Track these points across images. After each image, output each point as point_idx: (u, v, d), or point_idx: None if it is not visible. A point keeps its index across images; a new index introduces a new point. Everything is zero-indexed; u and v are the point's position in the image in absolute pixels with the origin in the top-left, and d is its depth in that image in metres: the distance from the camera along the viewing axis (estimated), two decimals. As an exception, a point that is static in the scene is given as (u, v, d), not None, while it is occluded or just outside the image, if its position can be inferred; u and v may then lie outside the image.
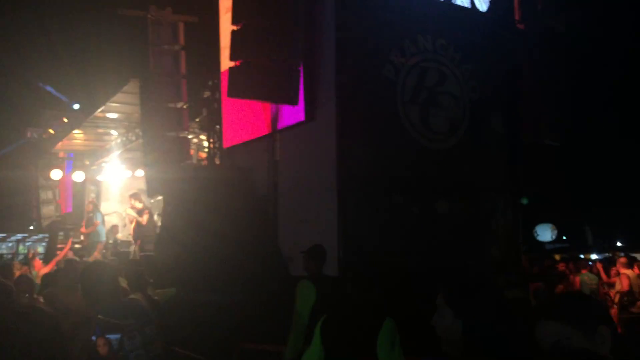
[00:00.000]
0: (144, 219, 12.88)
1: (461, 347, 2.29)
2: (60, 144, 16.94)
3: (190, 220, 8.60)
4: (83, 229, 14.83)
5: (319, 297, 4.82)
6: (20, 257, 15.18)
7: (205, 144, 12.45)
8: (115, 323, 3.28)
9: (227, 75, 7.59)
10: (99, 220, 14.64)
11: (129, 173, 16.26)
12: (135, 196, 13.39)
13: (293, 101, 7.60)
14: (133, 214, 13.17)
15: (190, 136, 10.57)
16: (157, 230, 14.29)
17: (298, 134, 8.23)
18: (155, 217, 14.22)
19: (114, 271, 3.83)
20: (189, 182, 8.90)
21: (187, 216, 8.68)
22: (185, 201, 8.81)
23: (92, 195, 18.12)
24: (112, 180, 17.11)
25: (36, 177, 18.23)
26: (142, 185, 16.33)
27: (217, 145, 10.54)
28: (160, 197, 10.96)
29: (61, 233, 17.16)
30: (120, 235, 15.81)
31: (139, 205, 13.15)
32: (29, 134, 18.61)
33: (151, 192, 10.03)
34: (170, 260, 9.22)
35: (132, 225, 13.48)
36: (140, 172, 15.63)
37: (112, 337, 3.26)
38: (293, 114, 8.09)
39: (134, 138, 14.40)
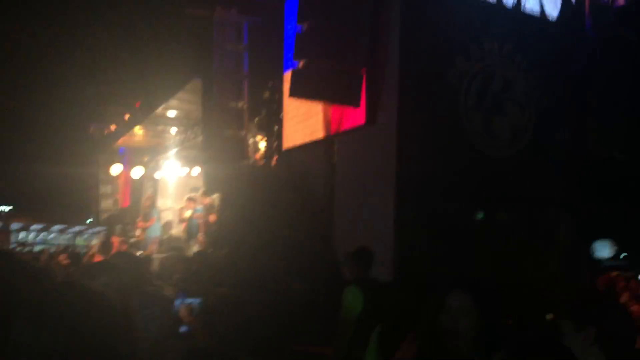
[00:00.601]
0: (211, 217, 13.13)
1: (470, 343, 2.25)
2: (120, 140, 17.38)
3: (247, 219, 8.70)
4: (140, 224, 15.13)
5: (366, 303, 4.67)
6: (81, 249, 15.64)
7: (262, 144, 12.58)
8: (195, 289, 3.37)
9: (291, 77, 7.60)
10: (155, 216, 14.91)
11: (186, 170, 16.51)
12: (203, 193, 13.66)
13: (355, 103, 7.59)
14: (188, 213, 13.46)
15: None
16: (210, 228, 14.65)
17: (357, 138, 8.21)
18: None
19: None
20: (246, 181, 9.00)
21: (243, 215, 8.78)
22: (242, 200, 8.92)
23: (150, 191, 18.53)
24: (169, 177, 17.33)
25: (97, 172, 18.76)
26: (197, 183, 16.69)
27: (274, 146, 10.57)
28: (216, 195, 11.09)
29: (118, 226, 17.67)
30: (174, 232, 16.08)
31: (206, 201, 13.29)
32: (91, 130, 19.22)
33: (209, 190, 10.12)
34: (225, 257, 9.35)
35: (183, 226, 13.77)
36: (197, 170, 15.92)
37: (193, 300, 3.48)
38: (353, 117, 8.06)
39: (192, 136, 14.62)
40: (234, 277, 8.71)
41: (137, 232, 15.53)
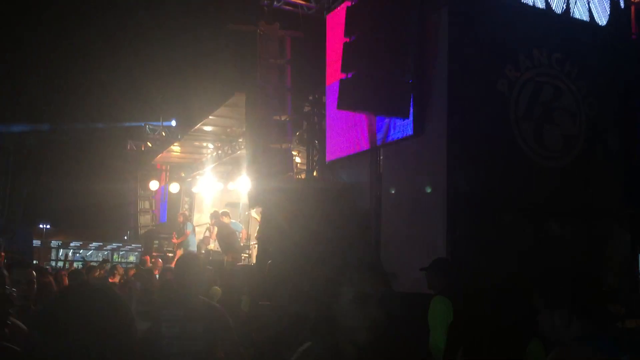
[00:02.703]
0: (214, 232, 13.36)
1: None
2: (159, 156, 17.53)
3: (291, 232, 8.64)
4: (174, 239, 15.22)
5: (456, 312, 4.59)
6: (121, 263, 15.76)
7: (303, 158, 12.53)
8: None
9: (338, 88, 7.56)
10: (189, 230, 15.01)
11: (221, 186, 16.59)
12: (213, 215, 13.83)
13: (403, 114, 7.51)
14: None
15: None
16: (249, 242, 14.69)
17: (405, 149, 8.13)
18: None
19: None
20: (291, 194, 8.95)
21: (287, 228, 8.72)
22: (286, 213, 8.87)
23: (186, 206, 18.65)
24: (206, 193, 17.45)
25: (135, 188, 18.94)
26: (233, 197, 16.75)
27: (315, 158, 10.53)
28: (259, 209, 11.08)
29: (156, 242, 17.79)
30: (212, 246, 16.13)
31: (212, 220, 13.56)
32: (129, 147, 19.45)
33: (252, 203, 10.11)
34: (268, 270, 9.31)
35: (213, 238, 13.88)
36: (233, 185, 15.97)
37: None
38: (401, 128, 7.99)
39: (230, 151, 14.66)
40: (279, 290, 8.67)
41: (173, 248, 15.64)
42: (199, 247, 15.47)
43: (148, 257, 14.61)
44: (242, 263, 13.74)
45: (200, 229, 16.36)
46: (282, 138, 9.56)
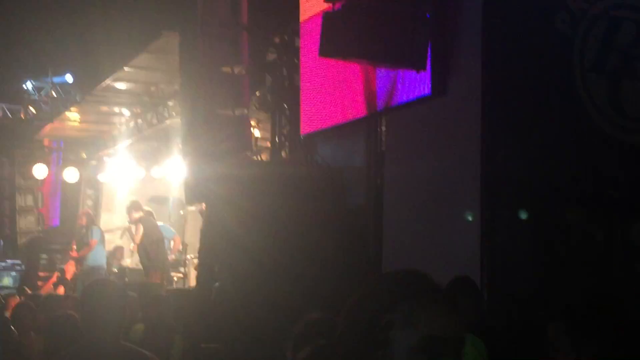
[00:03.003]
0: (138, 232, 13.41)
1: None
2: (47, 128, 17.24)
3: (248, 241, 8.59)
4: (74, 252, 15.03)
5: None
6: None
7: (261, 131, 12.42)
8: None
9: (321, 25, 7.47)
10: (96, 239, 14.87)
11: (141, 172, 16.52)
12: (134, 206, 13.82)
13: (418, 64, 7.45)
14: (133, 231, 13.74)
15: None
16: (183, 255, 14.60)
17: (418, 115, 8.16)
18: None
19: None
20: (248, 184, 8.89)
21: (242, 235, 8.67)
22: (241, 212, 8.80)
23: (89, 202, 18.44)
24: (119, 182, 17.43)
25: (12, 175, 18.64)
26: (160, 190, 16.60)
27: (285, 131, 10.50)
28: (202, 205, 11.00)
29: (44, 256, 17.53)
30: (129, 263, 15.99)
31: (137, 216, 13.58)
32: (0, 113, 19.09)
33: (190, 197, 10.06)
34: (214, 298, 9.25)
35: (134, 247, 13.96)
36: (160, 171, 15.82)
37: None
38: (413, 85, 7.97)
39: (155, 121, 14.55)
40: (232, 327, 8.61)
41: (69, 266, 15.37)
42: (109, 263, 15.35)
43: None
44: (173, 287, 13.66)
45: (112, 236, 16.16)
46: (234, 100, 9.54)
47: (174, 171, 15.05)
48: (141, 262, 13.33)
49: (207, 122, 9.45)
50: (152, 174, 16.11)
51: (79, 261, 14.98)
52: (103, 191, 18.33)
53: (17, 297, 11.61)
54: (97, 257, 14.89)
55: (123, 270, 15.56)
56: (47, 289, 14.32)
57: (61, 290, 13.99)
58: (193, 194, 9.79)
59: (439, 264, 7.27)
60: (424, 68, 7.51)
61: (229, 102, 9.51)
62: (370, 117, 8.67)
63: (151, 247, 12.82)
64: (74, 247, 15.37)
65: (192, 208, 14.31)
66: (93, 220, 15.63)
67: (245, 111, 9.88)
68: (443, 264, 7.23)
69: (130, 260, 16.15)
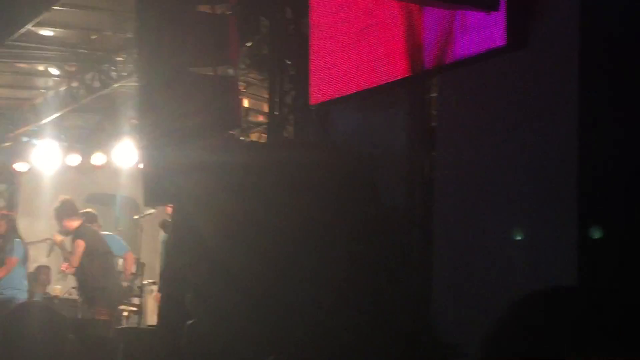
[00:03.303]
0: (77, 251, 13.41)
1: None
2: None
3: (238, 257, 8.60)
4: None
5: None
6: None
7: (251, 100, 12.44)
8: None
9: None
10: (17, 256, 14.87)
11: (76, 159, 16.57)
12: (67, 208, 13.87)
13: (488, 2, 7.49)
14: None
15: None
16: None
17: (486, 77, 8.23)
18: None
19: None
20: (236, 176, 8.91)
21: (230, 249, 8.67)
22: (225, 217, 8.82)
23: (0, 202, 18.50)
24: (44, 173, 17.55)
25: None
26: (103, 185, 16.65)
27: (289, 99, 10.56)
28: (167, 207, 11.07)
29: None
30: (58, 290, 16.04)
31: (73, 223, 13.68)
32: None
33: (152, 196, 10.14)
34: (186, 342, 9.31)
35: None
36: (101, 157, 15.87)
37: None
38: (479, 33, 8.01)
39: (97, 84, 14.64)
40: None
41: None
42: (29, 291, 15.41)
43: None
44: (123, 325, 13.69)
45: (34, 252, 16.22)
46: (215, 54, 9.52)
47: (123, 157, 15.08)
48: (79, 289, 13.35)
49: (174, 86, 9.46)
50: (92, 162, 16.16)
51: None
52: (20, 186, 18.38)
53: None
54: (15, 282, 14.93)
55: (50, 301, 15.65)
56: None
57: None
58: (154, 191, 9.85)
59: (523, 264, 7.64)
60: (496, 7, 7.59)
61: (207, 56, 9.51)
62: (413, 80, 8.77)
63: (94, 268, 12.83)
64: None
65: (150, 211, 14.33)
66: (15, 227, 15.62)
67: (232, 70, 9.87)
68: (526, 264, 7.60)
69: (61, 287, 16.21)
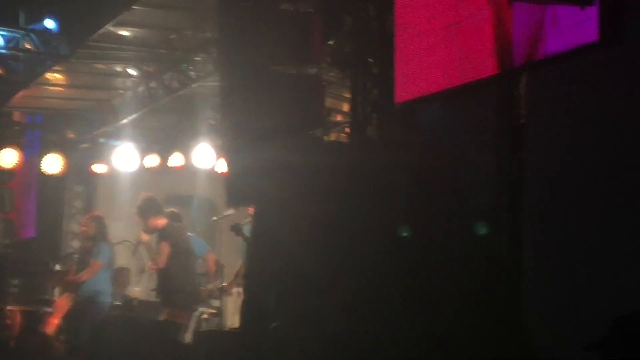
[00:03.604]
0: (163, 251, 13.39)
1: None
2: (18, 96, 17.41)
3: (323, 261, 8.55)
4: (71, 276, 15.12)
5: None
6: None
7: (334, 100, 12.34)
8: None
9: None
10: (103, 261, 14.88)
11: (154, 160, 16.79)
12: (152, 207, 13.85)
13: (581, -2, 7.42)
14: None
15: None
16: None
17: (578, 73, 8.17)
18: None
19: None
20: (320, 177, 8.87)
21: (315, 252, 8.63)
22: (308, 219, 8.76)
23: (77, 204, 18.69)
24: (122, 174, 17.67)
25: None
26: (182, 186, 16.65)
27: (372, 98, 10.48)
28: (250, 209, 11.02)
29: (15, 282, 17.70)
30: (137, 291, 16.06)
31: (159, 222, 13.66)
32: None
33: (234, 197, 10.14)
34: (270, 345, 9.24)
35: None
36: (179, 158, 15.87)
37: None
38: (572, 28, 7.85)
39: (176, 84, 14.67)
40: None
41: (62, 302, 15.46)
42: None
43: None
44: (203, 327, 13.68)
45: (122, 250, 16.31)
46: (299, 53, 9.47)
47: (201, 159, 15.05)
48: (159, 291, 13.33)
49: (255, 86, 9.44)
50: (170, 163, 16.18)
51: (72, 288, 15.00)
52: (98, 187, 18.44)
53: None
54: (99, 286, 14.92)
55: (129, 302, 15.67)
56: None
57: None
58: (236, 192, 9.82)
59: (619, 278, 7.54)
60: (592, 2, 7.46)
61: (290, 55, 9.46)
62: (502, 77, 8.67)
63: (176, 267, 12.78)
64: (72, 267, 15.53)
65: (228, 213, 14.28)
66: (104, 231, 15.52)
67: (315, 69, 9.79)
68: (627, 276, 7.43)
69: (140, 289, 16.22)
